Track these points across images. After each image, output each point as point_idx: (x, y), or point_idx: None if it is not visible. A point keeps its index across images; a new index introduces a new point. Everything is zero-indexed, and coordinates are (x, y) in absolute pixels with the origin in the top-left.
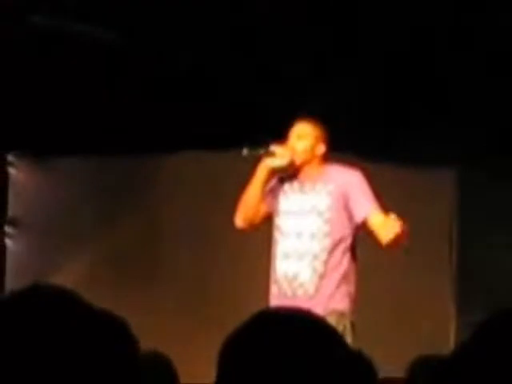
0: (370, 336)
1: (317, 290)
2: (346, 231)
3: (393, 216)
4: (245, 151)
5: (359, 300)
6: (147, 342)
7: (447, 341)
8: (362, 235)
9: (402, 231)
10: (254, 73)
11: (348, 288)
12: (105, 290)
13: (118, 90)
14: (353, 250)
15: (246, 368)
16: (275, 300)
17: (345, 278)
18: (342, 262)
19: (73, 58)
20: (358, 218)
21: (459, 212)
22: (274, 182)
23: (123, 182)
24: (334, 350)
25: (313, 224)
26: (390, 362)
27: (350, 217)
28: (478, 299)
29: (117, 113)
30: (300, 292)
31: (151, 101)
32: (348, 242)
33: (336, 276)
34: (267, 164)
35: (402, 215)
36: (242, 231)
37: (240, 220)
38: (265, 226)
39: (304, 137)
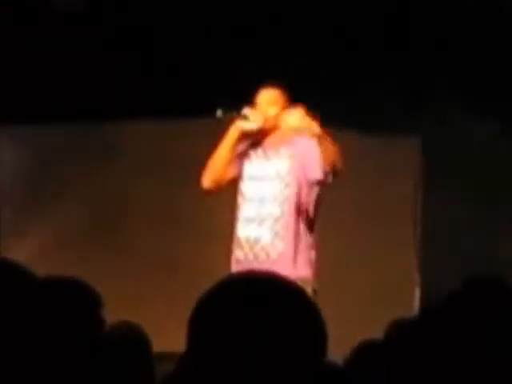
0: (335, 303)
1: (278, 253)
2: (305, 195)
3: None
4: (219, 113)
5: (323, 267)
6: (111, 311)
7: (411, 306)
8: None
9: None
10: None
11: (309, 253)
12: (69, 258)
13: (75, 56)
14: (314, 216)
15: (215, 333)
16: (237, 265)
17: (306, 242)
18: (303, 226)
19: (25, 23)
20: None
21: (424, 181)
22: (243, 147)
23: (87, 150)
24: (301, 317)
25: (275, 188)
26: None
27: (308, 178)
28: (441, 267)
29: (76, 79)
30: (262, 256)
31: (113, 67)
32: (309, 206)
33: (297, 239)
34: (239, 126)
35: (367, 184)
36: (202, 198)
37: (207, 181)
38: (228, 193)
39: (273, 103)
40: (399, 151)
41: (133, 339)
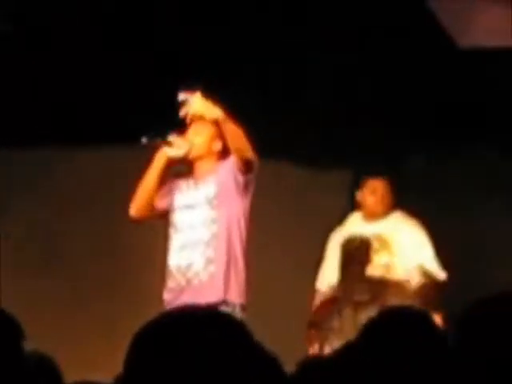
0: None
1: (209, 275)
2: (234, 217)
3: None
4: (144, 139)
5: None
6: (36, 334)
7: None
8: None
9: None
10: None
11: (238, 278)
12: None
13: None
14: (243, 240)
15: (151, 367)
16: (169, 294)
17: (238, 264)
18: (232, 248)
19: None
20: None
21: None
22: (172, 179)
23: (20, 174)
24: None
25: (203, 213)
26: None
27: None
28: None
29: (12, 104)
30: (195, 282)
31: (45, 93)
32: (240, 229)
33: (229, 262)
34: (165, 153)
35: (297, 216)
36: (137, 225)
37: (133, 209)
38: (160, 222)
39: (202, 132)
40: (329, 186)
41: (45, 370)
